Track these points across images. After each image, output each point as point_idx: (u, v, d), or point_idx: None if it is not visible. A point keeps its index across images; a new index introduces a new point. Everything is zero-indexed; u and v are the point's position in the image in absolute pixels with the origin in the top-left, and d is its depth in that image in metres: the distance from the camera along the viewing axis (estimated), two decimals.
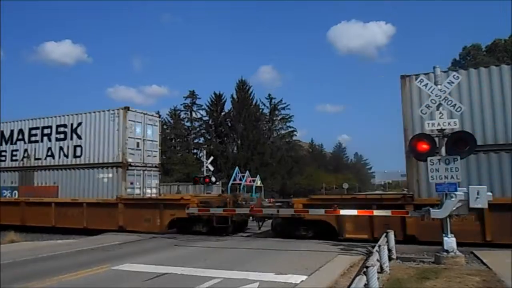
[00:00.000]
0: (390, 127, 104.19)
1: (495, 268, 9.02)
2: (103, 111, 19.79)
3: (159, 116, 23.43)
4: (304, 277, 8.53)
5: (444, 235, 10.17)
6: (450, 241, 10.04)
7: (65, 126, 20.46)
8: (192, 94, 65.75)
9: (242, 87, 61.69)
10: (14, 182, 21.49)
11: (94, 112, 20.00)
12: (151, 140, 20.59)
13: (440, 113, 10.41)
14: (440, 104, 10.46)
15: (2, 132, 22.25)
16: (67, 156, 20.15)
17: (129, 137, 19.11)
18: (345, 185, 59.34)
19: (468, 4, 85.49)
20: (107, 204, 18.32)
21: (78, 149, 19.94)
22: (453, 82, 10.62)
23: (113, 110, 19.43)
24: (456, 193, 10.06)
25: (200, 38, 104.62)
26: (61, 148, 20.39)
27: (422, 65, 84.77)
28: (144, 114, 20.58)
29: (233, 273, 8.94)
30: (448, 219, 10.20)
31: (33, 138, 21.30)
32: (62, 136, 20.50)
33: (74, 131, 20.19)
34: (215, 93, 63.32)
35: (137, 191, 19.36)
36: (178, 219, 16.91)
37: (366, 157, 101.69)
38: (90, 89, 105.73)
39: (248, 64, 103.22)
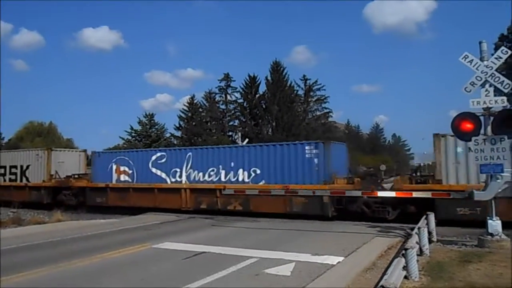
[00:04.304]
0: (428, 107, 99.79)
1: None
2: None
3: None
4: (341, 258, 8.49)
5: (488, 217, 9.76)
6: (495, 224, 9.64)
7: None
8: (227, 77, 65.76)
9: (276, 69, 60.95)
10: None
11: None
12: None
13: (486, 90, 9.87)
14: (486, 81, 9.91)
15: None
16: None
17: None
18: (383, 167, 57.78)
19: None
20: None
21: None
22: (501, 58, 10.00)
23: None
24: (502, 174, 9.59)
25: (233, 21, 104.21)
26: None
27: (466, 41, 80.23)
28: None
29: (269, 253, 9.02)
30: (493, 202, 9.78)
31: None
32: None
33: None
34: (249, 75, 62.97)
35: None
36: None
37: (404, 138, 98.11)
38: (127, 75, 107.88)
39: (281, 45, 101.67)
